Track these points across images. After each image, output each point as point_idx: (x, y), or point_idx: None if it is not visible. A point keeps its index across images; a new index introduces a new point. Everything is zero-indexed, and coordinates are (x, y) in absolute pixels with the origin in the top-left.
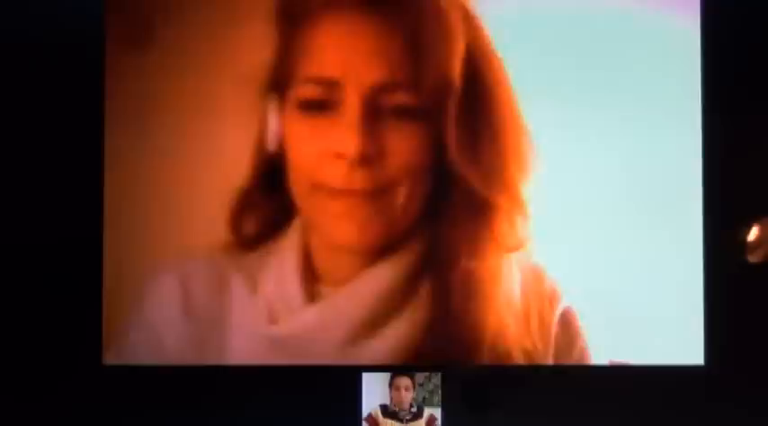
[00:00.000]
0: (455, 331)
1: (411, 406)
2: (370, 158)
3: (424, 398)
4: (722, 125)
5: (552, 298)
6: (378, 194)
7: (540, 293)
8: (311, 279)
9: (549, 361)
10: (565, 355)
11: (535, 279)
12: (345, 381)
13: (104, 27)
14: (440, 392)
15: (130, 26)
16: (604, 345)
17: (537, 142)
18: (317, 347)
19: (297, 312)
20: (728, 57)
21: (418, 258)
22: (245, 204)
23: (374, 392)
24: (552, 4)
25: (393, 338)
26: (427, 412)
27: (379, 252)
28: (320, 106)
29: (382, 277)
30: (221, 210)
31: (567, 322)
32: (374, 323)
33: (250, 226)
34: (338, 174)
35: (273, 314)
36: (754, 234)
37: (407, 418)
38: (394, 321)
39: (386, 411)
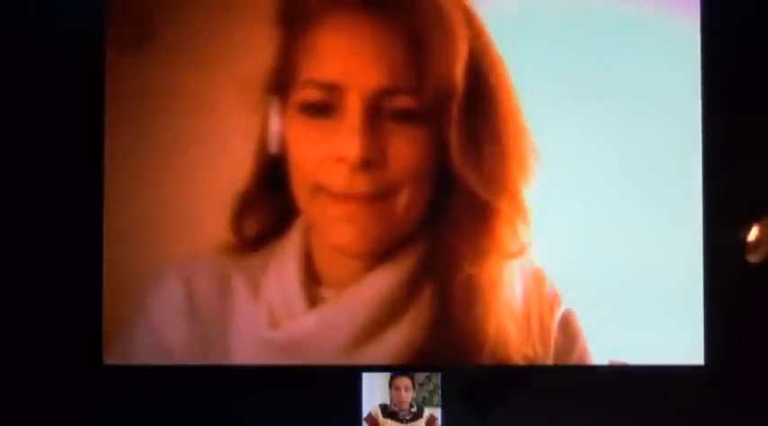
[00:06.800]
0: (456, 336)
1: (411, 406)
2: (371, 162)
3: (423, 398)
4: (722, 125)
5: (553, 302)
6: (379, 198)
7: (540, 296)
8: (312, 282)
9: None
10: (564, 358)
11: (536, 282)
12: (345, 381)
13: (105, 27)
14: (440, 392)
15: (131, 26)
16: (604, 345)
17: (537, 143)
18: (317, 352)
19: (298, 316)
20: (728, 57)
21: (419, 262)
22: (246, 205)
23: (374, 392)
24: (552, 4)
25: (394, 343)
26: (427, 412)
27: (379, 256)
28: (322, 109)
29: (383, 281)
30: (222, 211)
31: (567, 324)
32: (375, 328)
33: (251, 227)
34: (339, 178)
35: (275, 318)
36: (754, 234)
37: (407, 418)
38: (395, 326)
39: (386, 411)
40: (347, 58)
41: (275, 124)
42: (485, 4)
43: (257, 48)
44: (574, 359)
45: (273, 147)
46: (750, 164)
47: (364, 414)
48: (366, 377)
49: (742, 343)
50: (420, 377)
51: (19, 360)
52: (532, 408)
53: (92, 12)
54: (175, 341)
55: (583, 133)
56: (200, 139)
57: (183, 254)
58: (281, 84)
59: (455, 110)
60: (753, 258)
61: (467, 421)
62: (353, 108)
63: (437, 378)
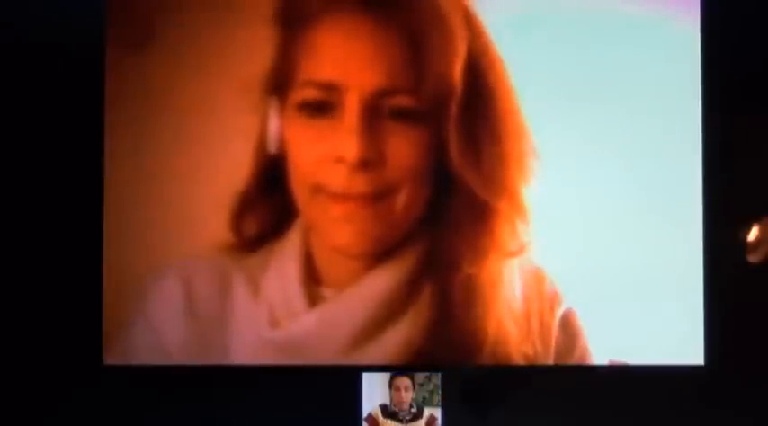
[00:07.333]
0: (456, 336)
1: (411, 406)
2: (369, 162)
3: (424, 398)
4: (722, 125)
5: (553, 301)
6: (378, 198)
7: (540, 295)
8: (312, 281)
9: (550, 363)
10: (565, 357)
11: (536, 281)
12: (345, 381)
13: (105, 27)
14: (440, 392)
15: (131, 26)
16: (604, 345)
17: (536, 143)
18: (317, 351)
19: (298, 316)
20: (728, 57)
21: (419, 262)
22: (245, 205)
23: (374, 392)
24: (552, 4)
25: (393, 343)
26: (427, 412)
27: (378, 256)
28: (320, 109)
29: (383, 281)
30: (222, 211)
31: (567, 323)
32: (374, 327)
33: (251, 228)
34: (338, 178)
35: (275, 317)
36: (754, 234)
37: (407, 418)
38: (394, 325)
39: (386, 411)
40: (346, 58)
41: (274, 124)
42: (485, 5)
43: (256, 49)
44: (575, 358)
45: (272, 148)
46: (750, 164)
47: (364, 414)
48: (366, 376)
49: (742, 343)
50: (420, 377)
51: (19, 360)
52: (532, 408)
53: (92, 12)
54: (175, 341)
55: (583, 133)
56: (200, 140)
57: (183, 254)
58: (280, 84)
59: (454, 109)
60: (753, 258)
61: (467, 421)
62: (352, 108)
63: (437, 378)
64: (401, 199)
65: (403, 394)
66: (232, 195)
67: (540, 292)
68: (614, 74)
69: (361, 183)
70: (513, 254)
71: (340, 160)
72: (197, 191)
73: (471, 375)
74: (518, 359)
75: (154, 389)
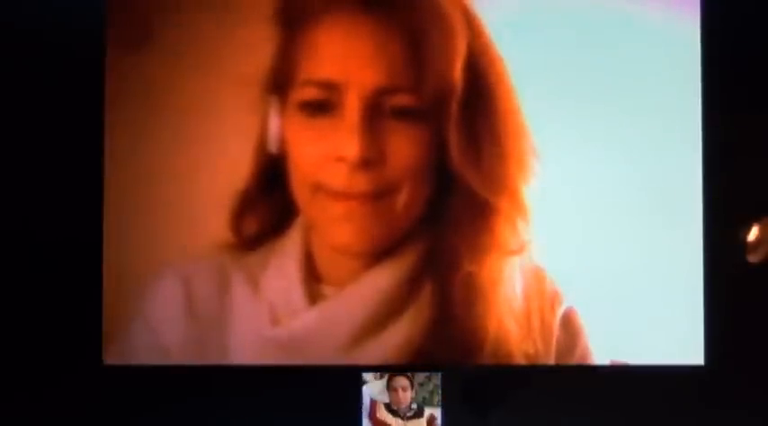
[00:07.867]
0: (456, 334)
1: (411, 403)
2: (370, 161)
3: (424, 398)
4: (722, 125)
5: (554, 300)
6: (378, 197)
7: (541, 294)
8: (313, 279)
9: (551, 363)
10: (566, 356)
11: (536, 280)
12: (346, 381)
13: (105, 27)
14: (440, 392)
15: (131, 26)
16: (605, 345)
17: (537, 142)
18: (318, 349)
19: (298, 313)
20: (728, 57)
21: (419, 261)
22: (245, 204)
23: (375, 391)
24: (552, 4)
25: (393, 342)
26: (427, 412)
27: (379, 254)
28: (321, 108)
29: (383, 279)
30: (222, 211)
31: (568, 323)
32: (374, 326)
33: (251, 227)
34: (339, 177)
35: (275, 315)
36: (754, 234)
37: (408, 415)
38: (395, 324)
39: (387, 407)
40: (346, 57)
41: (274, 124)
42: (485, 4)
43: (257, 49)
44: (576, 357)
45: (273, 147)
46: (750, 163)
47: (365, 413)
48: (367, 376)
49: (742, 343)
50: (420, 377)
51: (19, 360)
52: (533, 408)
53: (92, 12)
54: (175, 340)
55: (583, 132)
56: (200, 139)
57: (183, 254)
58: (280, 83)
59: (454, 108)
60: (753, 258)
61: (467, 421)
62: (352, 107)
63: (437, 378)
64: (402, 198)
65: (401, 394)
66: (232, 194)
67: (540, 291)
68: (614, 73)
69: (361, 182)
70: (513, 253)
71: (341, 159)
72: (197, 191)
73: (471, 374)
74: (519, 358)
75: (153, 389)
